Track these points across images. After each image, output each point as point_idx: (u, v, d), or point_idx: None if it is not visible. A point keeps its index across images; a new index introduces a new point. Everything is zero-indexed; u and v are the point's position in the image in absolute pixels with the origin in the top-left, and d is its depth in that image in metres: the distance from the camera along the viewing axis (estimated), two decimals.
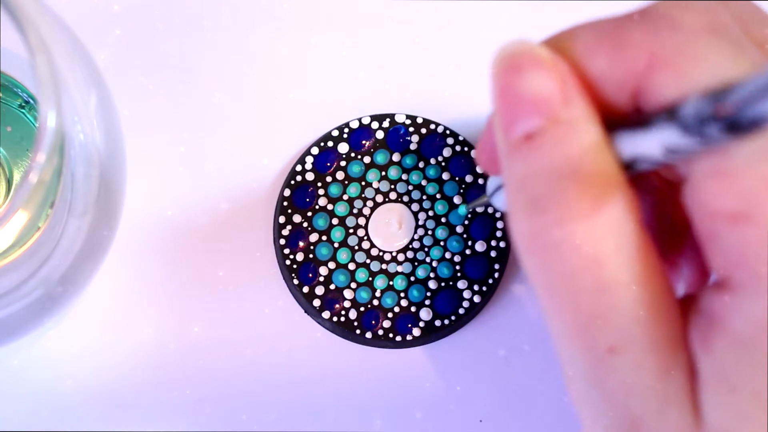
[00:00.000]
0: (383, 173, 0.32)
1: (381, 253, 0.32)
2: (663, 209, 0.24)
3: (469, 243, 0.32)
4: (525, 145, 0.20)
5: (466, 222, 0.32)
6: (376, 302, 0.31)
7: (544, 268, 0.20)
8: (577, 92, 0.21)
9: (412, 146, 0.32)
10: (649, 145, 0.20)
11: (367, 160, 0.32)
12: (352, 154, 0.32)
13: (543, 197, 0.20)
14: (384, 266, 0.32)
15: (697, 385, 0.20)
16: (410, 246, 0.32)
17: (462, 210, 0.32)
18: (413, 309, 0.31)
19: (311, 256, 0.32)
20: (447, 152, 0.32)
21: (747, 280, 0.20)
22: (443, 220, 0.32)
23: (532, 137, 0.20)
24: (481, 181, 0.32)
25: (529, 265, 0.21)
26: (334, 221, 0.32)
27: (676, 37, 0.20)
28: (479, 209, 0.32)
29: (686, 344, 0.21)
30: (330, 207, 0.32)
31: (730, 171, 0.19)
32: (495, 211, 0.32)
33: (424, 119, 0.32)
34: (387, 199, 0.32)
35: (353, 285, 0.31)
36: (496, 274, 0.32)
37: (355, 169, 0.32)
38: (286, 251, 0.32)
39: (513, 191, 0.21)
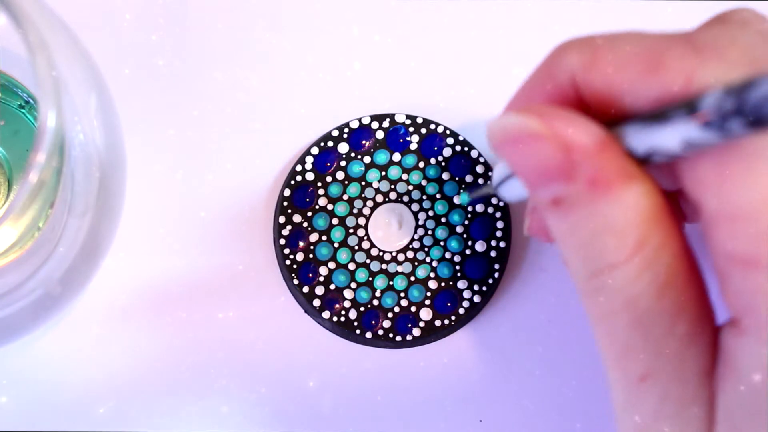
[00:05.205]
0: (383, 173, 0.32)
1: (381, 253, 0.32)
2: None
3: (469, 243, 0.32)
4: (554, 209, 0.21)
5: (466, 222, 0.32)
6: (376, 302, 0.31)
7: (592, 307, 0.22)
8: (585, 150, 0.21)
9: (412, 146, 0.32)
10: (667, 138, 0.20)
11: (367, 160, 0.32)
12: (352, 154, 0.32)
13: (583, 249, 0.21)
14: (384, 266, 0.32)
15: (713, 423, 0.21)
16: (410, 246, 0.32)
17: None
18: (413, 309, 0.31)
19: (311, 256, 0.32)
20: (447, 152, 0.32)
21: (755, 327, 0.20)
22: (443, 220, 0.32)
23: (558, 202, 0.21)
24: (481, 181, 0.32)
25: (583, 303, 0.22)
26: (334, 221, 0.32)
27: (720, 67, 0.20)
28: (479, 208, 0.32)
29: (712, 378, 0.21)
30: (330, 207, 0.32)
31: (742, 214, 0.20)
32: (495, 211, 0.32)
33: (424, 119, 0.32)
34: (387, 199, 0.32)
35: (353, 285, 0.31)
36: (496, 274, 0.32)
37: (355, 169, 0.32)
38: (286, 251, 0.32)
39: (559, 244, 0.22)
